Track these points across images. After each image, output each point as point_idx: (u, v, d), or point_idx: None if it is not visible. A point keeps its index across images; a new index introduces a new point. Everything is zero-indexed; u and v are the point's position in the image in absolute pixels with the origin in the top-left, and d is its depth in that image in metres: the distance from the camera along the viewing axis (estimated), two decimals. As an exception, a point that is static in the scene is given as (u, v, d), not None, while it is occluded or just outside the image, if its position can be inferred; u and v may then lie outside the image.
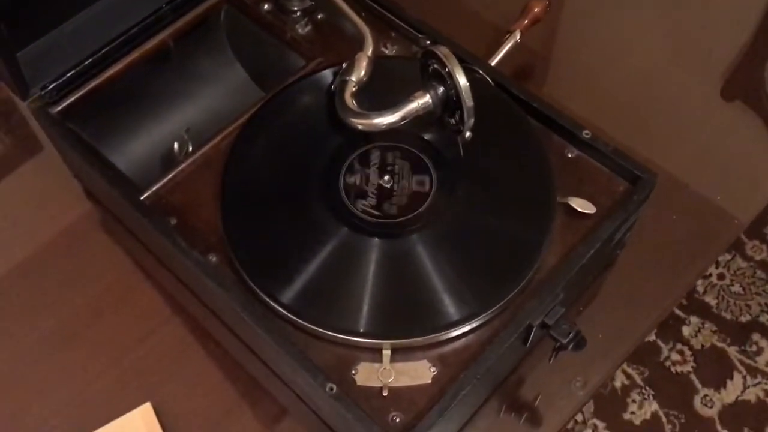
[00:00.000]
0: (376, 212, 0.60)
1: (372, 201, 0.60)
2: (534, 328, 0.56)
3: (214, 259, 0.60)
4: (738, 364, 1.24)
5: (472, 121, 0.58)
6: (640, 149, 0.70)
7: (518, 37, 0.71)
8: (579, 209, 0.61)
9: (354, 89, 0.63)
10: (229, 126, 0.66)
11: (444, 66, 0.57)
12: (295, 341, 0.55)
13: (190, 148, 0.69)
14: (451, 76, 0.57)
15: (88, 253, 0.73)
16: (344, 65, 0.64)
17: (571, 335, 0.55)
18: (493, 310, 0.56)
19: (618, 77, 0.82)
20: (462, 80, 0.57)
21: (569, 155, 0.65)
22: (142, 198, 0.63)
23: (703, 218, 0.72)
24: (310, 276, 0.58)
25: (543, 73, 0.84)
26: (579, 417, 1.19)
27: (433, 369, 0.55)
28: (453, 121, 0.60)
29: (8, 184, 0.78)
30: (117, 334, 0.68)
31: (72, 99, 0.69)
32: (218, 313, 0.65)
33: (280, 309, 0.57)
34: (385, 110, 0.59)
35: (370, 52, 0.65)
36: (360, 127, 0.60)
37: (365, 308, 0.56)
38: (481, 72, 0.67)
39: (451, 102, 0.58)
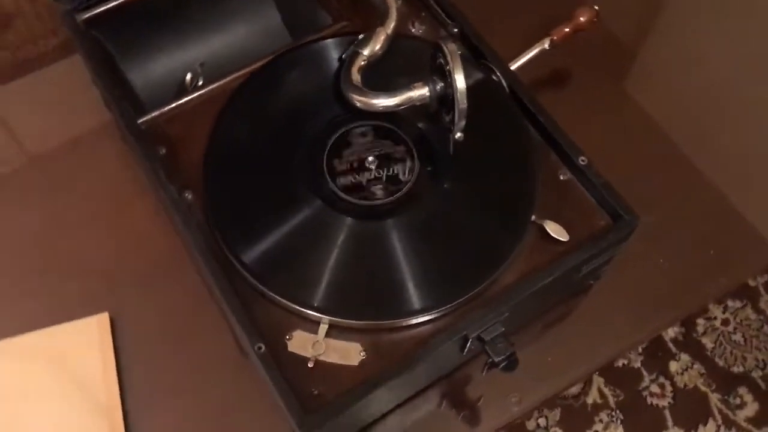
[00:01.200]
0: (353, 191, 0.60)
1: (352, 179, 0.61)
2: (470, 340, 0.56)
3: (189, 196, 0.62)
4: (716, 412, 1.23)
5: (462, 123, 0.57)
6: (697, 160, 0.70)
7: (547, 45, 0.69)
8: (552, 234, 0.60)
9: (363, 63, 0.63)
10: (241, 70, 0.67)
11: (447, 63, 0.56)
12: (242, 294, 0.57)
13: (200, 82, 0.70)
14: (451, 74, 0.56)
15: (94, 158, 0.75)
16: (360, 36, 0.64)
17: (504, 355, 0.55)
18: (436, 311, 0.57)
19: (697, 83, 0.81)
20: (460, 82, 0.56)
21: (561, 177, 0.64)
22: (139, 121, 0.65)
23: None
24: (272, 237, 0.59)
25: (626, 65, 0.84)
26: (542, 422, 1.20)
27: (362, 353, 0.56)
28: (447, 118, 0.59)
29: (41, 76, 0.80)
30: (100, 240, 0.71)
31: (101, 9, 0.70)
32: (186, 247, 0.67)
33: (235, 261, 0.58)
34: (384, 93, 0.59)
35: (390, 28, 0.64)
36: (357, 104, 0.60)
37: (314, 280, 0.57)
38: (497, 74, 0.66)
39: (447, 100, 0.58)
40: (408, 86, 0.59)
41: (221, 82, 0.67)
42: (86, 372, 0.65)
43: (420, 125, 0.64)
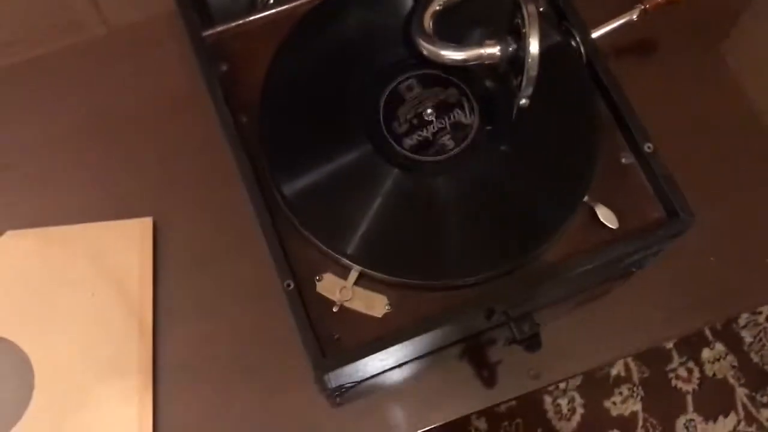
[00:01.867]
0: (406, 141, 0.59)
1: (406, 128, 0.60)
2: (496, 312, 0.55)
3: (244, 119, 0.61)
4: (740, 407, 1.21)
5: (530, 90, 0.55)
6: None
7: (635, 16, 0.65)
8: (602, 218, 0.58)
9: (438, 8, 0.60)
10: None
11: (524, 25, 0.54)
12: (281, 226, 0.57)
13: (271, 0, 0.68)
14: (526, 38, 0.53)
15: (159, 54, 0.74)
16: (439, -22, 0.61)
17: (527, 334, 0.55)
18: (469, 278, 0.56)
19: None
20: (534, 48, 0.53)
21: (623, 160, 0.61)
22: (204, 34, 0.64)
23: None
24: (317, 178, 0.58)
25: (722, 41, 0.77)
26: (562, 385, 1.20)
27: (388, 307, 0.56)
28: (515, 82, 0.57)
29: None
30: (153, 142, 0.71)
31: None
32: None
33: (277, 193, 0.58)
34: (453, 45, 0.57)
35: (472, -26, 0.61)
36: (424, 51, 0.58)
37: (351, 227, 0.57)
38: (577, 40, 0.63)
39: (518, 63, 0.55)
40: (480, 42, 0.57)
41: (291, 5, 0.65)
42: (123, 272, 0.67)
43: (486, 83, 0.61)
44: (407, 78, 0.61)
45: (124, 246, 0.68)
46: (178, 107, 0.71)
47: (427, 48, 0.58)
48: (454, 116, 0.60)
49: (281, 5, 0.65)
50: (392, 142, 0.59)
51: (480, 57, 0.56)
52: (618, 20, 0.64)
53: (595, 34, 0.64)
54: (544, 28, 0.53)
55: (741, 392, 1.22)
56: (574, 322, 0.65)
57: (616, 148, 0.61)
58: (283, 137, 0.60)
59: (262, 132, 0.60)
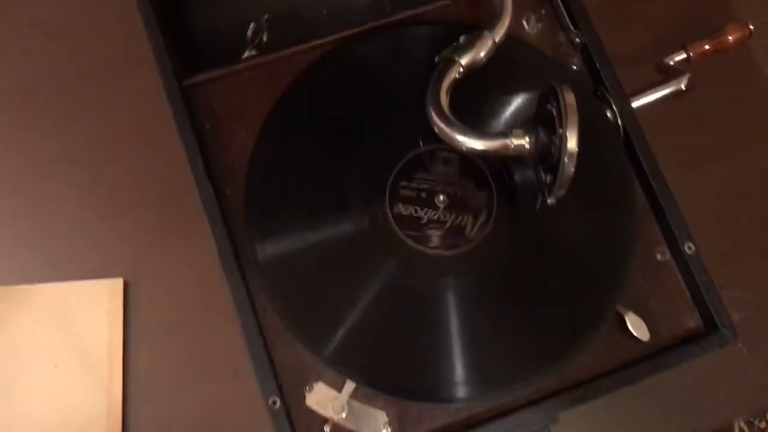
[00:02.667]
0: (406, 224, 0.52)
1: (412, 211, 0.52)
2: (509, 437, 0.49)
3: (229, 192, 0.53)
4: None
5: (562, 192, 0.47)
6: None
7: (683, 85, 0.56)
8: (631, 329, 0.51)
9: (458, 76, 0.51)
10: (311, 42, 0.56)
11: (560, 115, 0.45)
12: (266, 327, 0.50)
13: (264, 38, 0.59)
14: (562, 131, 0.45)
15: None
16: (462, 39, 0.52)
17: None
18: (479, 398, 0.50)
19: None
20: (571, 144, 0.45)
21: (658, 256, 0.54)
22: (185, 84, 0.55)
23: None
24: (307, 269, 0.51)
25: None
26: None
27: (387, 427, 0.50)
28: (544, 178, 0.49)
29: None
30: (122, 189, 0.63)
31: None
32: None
33: (267, 295, 0.51)
34: (473, 132, 0.49)
35: (499, 35, 0.52)
36: (436, 130, 0.50)
37: (344, 333, 0.50)
38: (615, 110, 0.54)
39: (549, 158, 0.47)
40: (505, 130, 0.48)
41: (284, 53, 0.56)
42: (91, 340, 0.60)
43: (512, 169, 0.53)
44: (419, 155, 0.53)
45: (92, 310, 0.61)
46: (154, 152, 0.63)
47: (440, 128, 0.50)
48: (462, 220, 0.53)
49: (271, 54, 0.56)
50: (396, 228, 0.52)
51: (504, 148, 0.48)
52: (663, 89, 0.56)
53: (635, 104, 0.55)
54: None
55: None
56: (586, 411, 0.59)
57: (651, 240, 0.54)
58: (271, 215, 0.52)
59: (248, 214, 0.52)
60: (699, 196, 0.57)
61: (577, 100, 0.46)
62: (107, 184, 0.62)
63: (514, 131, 0.48)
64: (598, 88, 0.56)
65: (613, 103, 0.54)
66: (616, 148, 0.54)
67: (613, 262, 0.52)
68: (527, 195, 0.52)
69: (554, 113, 0.47)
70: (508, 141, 0.48)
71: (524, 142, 0.48)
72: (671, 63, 0.60)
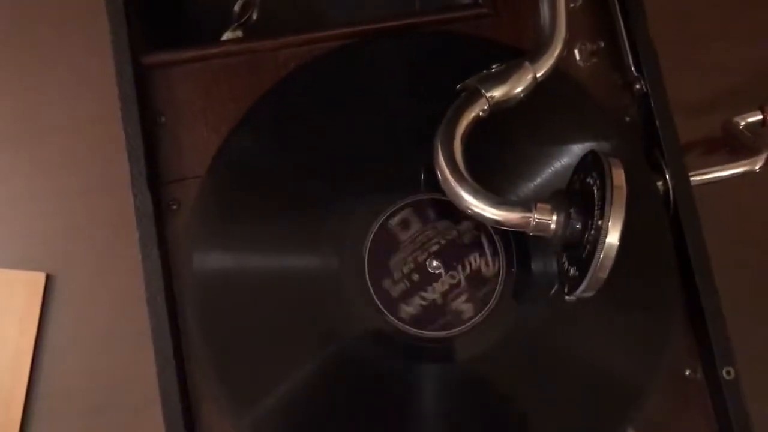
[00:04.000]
0: (404, 308, 0.41)
1: (403, 288, 0.41)
2: None
3: (174, 207, 0.43)
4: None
5: (588, 295, 0.37)
6: None
7: (757, 167, 0.45)
8: (638, 460, 0.41)
9: (482, 114, 0.40)
10: (308, 33, 0.45)
11: (602, 198, 0.35)
12: (190, 372, 0.40)
13: (254, 17, 0.48)
14: (602, 222, 0.34)
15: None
16: (494, 67, 0.41)
17: None
18: None
19: None
20: (612, 239, 0.34)
21: (686, 372, 0.43)
22: (143, 61, 0.44)
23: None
24: (248, 309, 0.41)
25: None
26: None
27: None
28: (567, 268, 0.38)
29: None
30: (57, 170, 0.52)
31: None
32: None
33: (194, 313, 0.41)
34: (487, 195, 0.38)
35: (541, 71, 0.41)
36: (440, 178, 0.39)
37: (271, 404, 0.40)
38: (668, 183, 0.43)
39: (578, 248, 0.37)
40: (527, 203, 0.37)
41: (268, 43, 0.45)
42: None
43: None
44: (399, 208, 0.42)
45: (2, 306, 0.51)
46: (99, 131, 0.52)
47: (447, 182, 0.38)
48: (470, 264, 0.42)
49: (253, 42, 0.44)
50: (370, 285, 0.41)
51: (524, 224, 0.37)
52: (731, 168, 0.45)
53: (695, 179, 0.44)
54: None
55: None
56: None
57: (682, 351, 0.44)
58: (219, 240, 0.42)
59: (192, 238, 0.41)
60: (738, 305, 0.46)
61: (627, 179, 0.35)
62: (39, 164, 0.52)
63: (540, 205, 0.37)
64: (652, 150, 0.44)
65: (667, 175, 0.43)
66: (660, 233, 0.43)
67: (633, 373, 0.42)
68: (542, 277, 0.41)
69: (594, 191, 0.36)
70: (530, 216, 0.37)
71: (551, 220, 0.37)
72: (741, 124, 0.49)
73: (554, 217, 0.37)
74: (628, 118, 0.46)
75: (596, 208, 0.35)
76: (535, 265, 0.42)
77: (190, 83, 0.44)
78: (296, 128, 0.43)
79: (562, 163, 0.42)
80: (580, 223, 0.36)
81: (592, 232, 0.35)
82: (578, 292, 0.36)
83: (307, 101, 0.43)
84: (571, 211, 0.36)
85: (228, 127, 0.43)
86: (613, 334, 0.43)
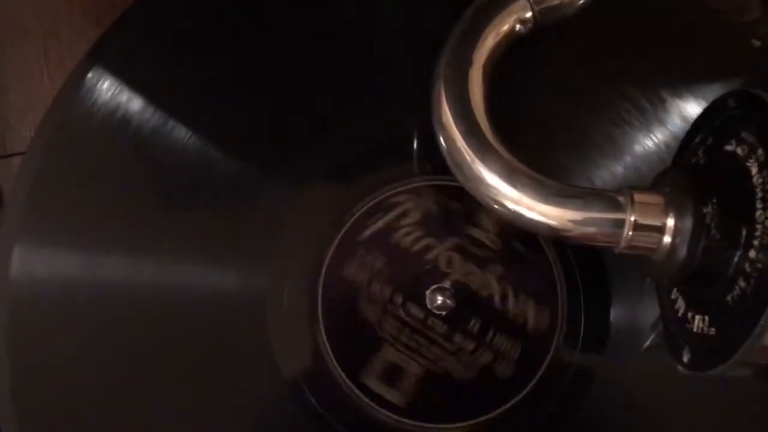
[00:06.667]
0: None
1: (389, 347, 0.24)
2: None
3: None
4: None
5: (738, 373, 0.18)
6: None
7: None
8: None
9: (522, 28, 0.22)
10: None
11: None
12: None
13: None
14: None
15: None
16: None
17: None
18: None
19: None
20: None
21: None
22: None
23: None
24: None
25: None
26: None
27: None
28: (689, 316, 0.20)
29: None
30: None
31: None
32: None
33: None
34: (532, 176, 0.20)
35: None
36: (444, 146, 0.21)
37: None
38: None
39: (713, 281, 0.18)
40: (610, 193, 0.19)
41: None
42: None
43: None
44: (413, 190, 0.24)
45: None
46: None
47: (459, 156, 0.20)
48: (501, 313, 0.24)
49: None
50: (321, 329, 0.24)
51: (610, 235, 0.19)
52: None
53: None
54: None
55: None
56: None
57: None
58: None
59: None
60: None
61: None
62: None
63: (640, 197, 0.19)
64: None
65: None
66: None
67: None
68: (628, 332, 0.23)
69: (751, 169, 0.18)
70: (622, 217, 0.19)
71: (663, 227, 0.19)
72: None
73: (670, 222, 0.19)
74: (756, 43, 0.28)
75: (758, 202, 0.17)
76: (620, 313, 0.24)
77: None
78: (182, 69, 0.25)
79: (665, 119, 0.24)
80: (722, 234, 0.18)
81: (753, 253, 0.17)
82: (716, 367, 0.18)
83: (202, 19, 0.25)
84: (708, 208, 0.18)
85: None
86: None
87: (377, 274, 0.24)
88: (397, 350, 0.24)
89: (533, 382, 0.24)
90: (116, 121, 0.24)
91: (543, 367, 0.23)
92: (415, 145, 0.26)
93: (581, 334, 0.24)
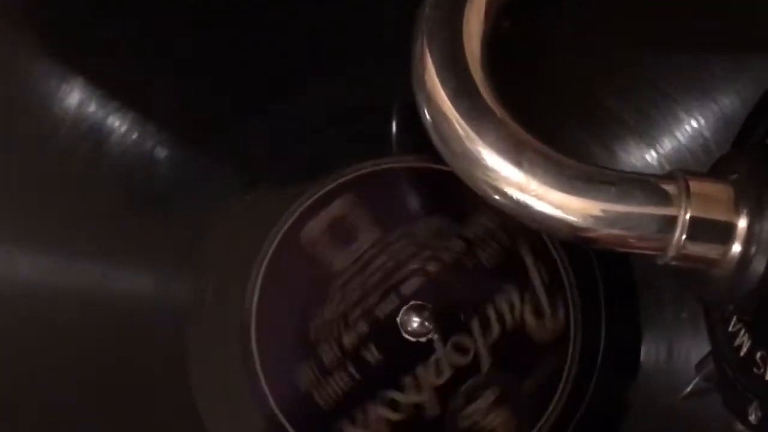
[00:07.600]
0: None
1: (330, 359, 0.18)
2: None
3: None
4: None
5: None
6: None
7: None
8: None
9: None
10: None
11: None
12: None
13: None
14: None
15: None
16: None
17: None
18: None
19: None
20: None
21: None
22: None
23: None
24: None
25: None
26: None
27: None
28: (756, 356, 0.14)
29: None
30: None
31: None
32: None
33: None
34: (547, 153, 0.14)
35: None
36: (428, 119, 0.15)
37: None
38: None
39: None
40: (654, 179, 0.14)
41: None
42: None
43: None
44: (331, 192, 0.19)
45: None
46: None
47: (452, 132, 0.15)
48: (499, 321, 0.19)
49: None
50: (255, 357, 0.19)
51: (654, 242, 0.13)
52: None
53: None
54: None
55: None
56: None
57: None
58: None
59: None
60: None
61: None
62: None
63: (698, 184, 0.13)
64: None
65: None
66: None
67: None
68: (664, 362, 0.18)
69: None
70: (675, 213, 0.13)
71: (731, 229, 0.13)
72: None
73: (741, 222, 0.13)
74: None
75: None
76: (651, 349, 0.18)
77: None
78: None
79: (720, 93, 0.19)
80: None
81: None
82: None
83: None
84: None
85: None
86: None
87: (332, 283, 0.18)
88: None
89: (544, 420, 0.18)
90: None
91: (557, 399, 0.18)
92: (393, 123, 0.21)
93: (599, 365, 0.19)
